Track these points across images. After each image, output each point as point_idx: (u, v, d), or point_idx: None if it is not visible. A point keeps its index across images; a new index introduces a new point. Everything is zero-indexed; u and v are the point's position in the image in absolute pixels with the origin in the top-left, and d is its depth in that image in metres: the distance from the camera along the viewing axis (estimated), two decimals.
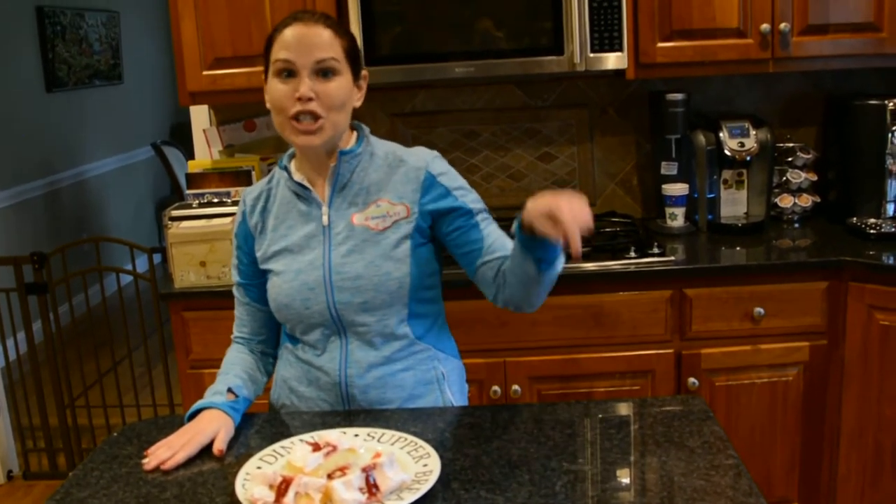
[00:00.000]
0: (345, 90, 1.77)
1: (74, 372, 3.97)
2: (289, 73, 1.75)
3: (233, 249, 1.95)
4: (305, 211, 1.85)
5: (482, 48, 2.73)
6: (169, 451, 1.63)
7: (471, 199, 1.87)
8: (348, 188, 1.84)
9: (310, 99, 1.73)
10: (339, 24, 1.81)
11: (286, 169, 1.87)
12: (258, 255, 1.89)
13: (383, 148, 1.89)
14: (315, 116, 1.75)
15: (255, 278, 1.91)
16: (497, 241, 1.84)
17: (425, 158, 1.86)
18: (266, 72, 1.80)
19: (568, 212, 1.50)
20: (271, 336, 1.98)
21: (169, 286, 2.75)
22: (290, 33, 1.75)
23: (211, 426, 1.70)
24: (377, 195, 1.83)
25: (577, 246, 1.50)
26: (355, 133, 1.89)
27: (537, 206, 1.56)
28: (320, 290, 1.81)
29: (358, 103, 1.84)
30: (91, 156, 6.60)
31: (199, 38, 2.80)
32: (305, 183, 1.85)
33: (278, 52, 1.75)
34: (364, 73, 1.85)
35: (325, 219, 1.83)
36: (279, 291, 1.84)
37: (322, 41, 1.74)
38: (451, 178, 1.87)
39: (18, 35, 5.71)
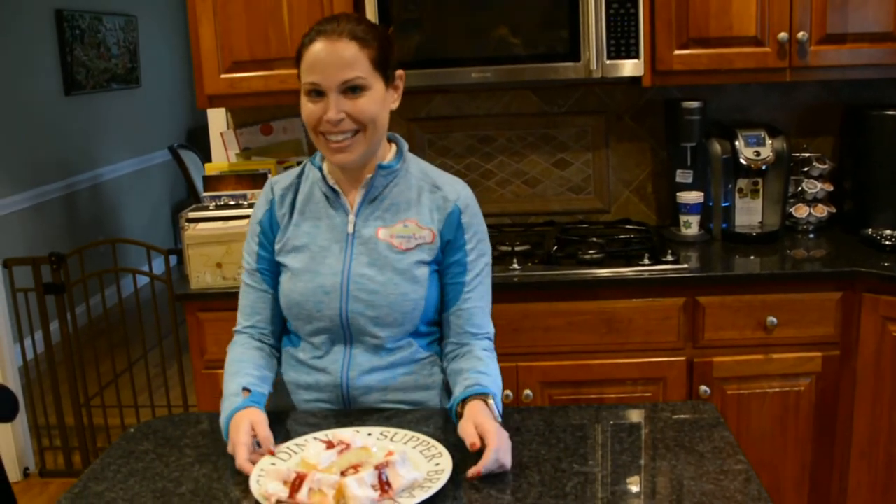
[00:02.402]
0: (376, 103, 1.77)
1: (90, 372, 3.99)
2: (317, 93, 1.76)
3: (252, 236, 1.92)
4: (331, 214, 1.86)
5: (499, 54, 2.74)
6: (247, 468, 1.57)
7: (477, 252, 1.88)
8: (378, 201, 1.85)
9: (340, 120, 1.75)
10: (367, 30, 1.77)
11: (320, 169, 1.88)
12: (276, 246, 1.89)
13: (419, 167, 1.91)
14: (346, 132, 1.76)
15: (277, 265, 1.90)
16: (466, 313, 1.87)
17: (459, 191, 1.88)
18: (300, 81, 1.80)
19: (492, 462, 1.52)
20: (278, 328, 1.95)
21: (185, 287, 2.77)
22: (315, 51, 1.74)
23: (241, 431, 1.62)
24: (406, 214, 1.84)
25: (474, 473, 1.50)
26: (394, 147, 1.90)
27: (464, 432, 1.59)
28: (335, 296, 1.81)
29: (394, 105, 1.85)
30: (108, 159, 6.64)
31: (216, 42, 2.82)
32: (338, 188, 1.85)
33: (306, 74, 1.76)
34: (399, 72, 1.85)
35: (350, 227, 1.84)
36: (293, 289, 1.84)
37: (347, 58, 1.73)
38: (473, 223, 1.88)
39: (38, 39, 5.76)
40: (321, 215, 1.87)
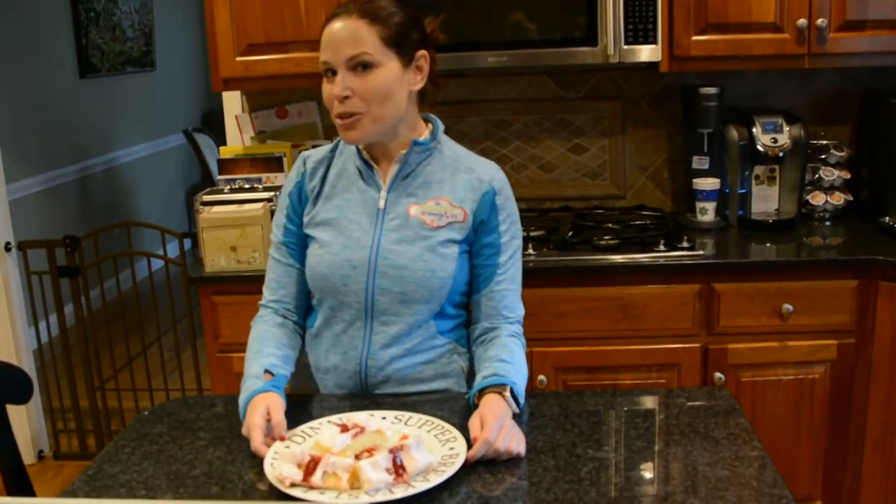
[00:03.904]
0: (386, 81, 1.75)
1: (105, 355, 4.01)
2: (331, 72, 1.76)
3: (281, 209, 1.92)
4: (364, 189, 1.85)
5: (515, 38, 2.73)
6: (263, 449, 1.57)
7: (510, 234, 1.88)
8: (411, 178, 1.84)
9: (345, 97, 1.74)
10: (382, 7, 1.76)
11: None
12: (305, 219, 1.88)
13: (452, 149, 1.91)
14: (353, 113, 1.75)
15: (304, 239, 1.89)
16: (498, 296, 1.87)
17: (493, 174, 1.88)
18: None
19: (481, 450, 1.52)
20: (303, 304, 1.94)
21: (199, 271, 2.77)
22: (327, 32, 1.76)
23: (256, 413, 1.61)
24: (438, 192, 1.84)
25: (472, 455, 1.51)
26: (429, 126, 1.90)
27: (470, 424, 1.59)
28: (363, 271, 1.80)
29: (416, 86, 1.83)
30: (123, 142, 6.66)
31: (232, 25, 2.82)
32: (372, 163, 1.85)
33: (321, 54, 1.77)
34: (421, 52, 1.82)
35: (381, 202, 1.84)
36: (320, 262, 1.83)
37: (354, 36, 1.73)
38: (507, 205, 1.89)
39: (53, 21, 5.77)
40: (353, 189, 1.86)
